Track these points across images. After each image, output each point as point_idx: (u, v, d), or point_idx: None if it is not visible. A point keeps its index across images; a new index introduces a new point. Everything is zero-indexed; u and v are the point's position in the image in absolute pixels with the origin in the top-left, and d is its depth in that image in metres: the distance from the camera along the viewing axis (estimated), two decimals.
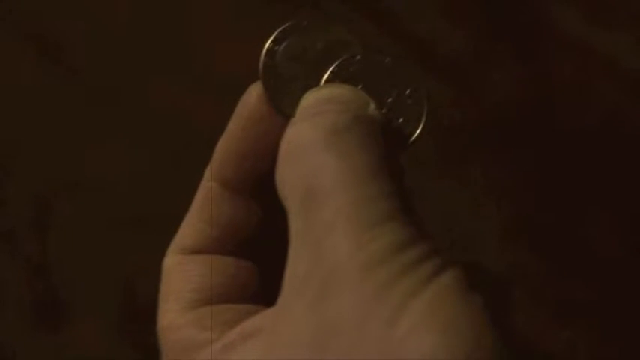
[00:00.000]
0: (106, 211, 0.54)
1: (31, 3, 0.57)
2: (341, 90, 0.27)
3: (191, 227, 0.29)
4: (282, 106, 0.27)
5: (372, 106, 0.26)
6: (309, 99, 0.27)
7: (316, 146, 0.24)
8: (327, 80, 0.27)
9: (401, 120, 0.27)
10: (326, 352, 0.22)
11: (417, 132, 0.27)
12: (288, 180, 0.25)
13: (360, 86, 0.27)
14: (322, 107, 0.26)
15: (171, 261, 0.29)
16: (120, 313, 0.53)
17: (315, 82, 0.28)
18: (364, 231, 0.22)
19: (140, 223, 0.54)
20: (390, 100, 0.27)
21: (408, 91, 0.27)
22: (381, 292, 0.22)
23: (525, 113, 0.53)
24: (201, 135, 0.55)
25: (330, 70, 0.28)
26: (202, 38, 0.55)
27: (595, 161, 0.52)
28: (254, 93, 0.28)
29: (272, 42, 0.28)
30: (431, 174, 0.52)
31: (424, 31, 0.54)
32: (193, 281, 0.28)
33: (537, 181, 0.52)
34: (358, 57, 0.28)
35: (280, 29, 0.28)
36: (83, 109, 0.55)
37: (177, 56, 0.55)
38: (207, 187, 0.29)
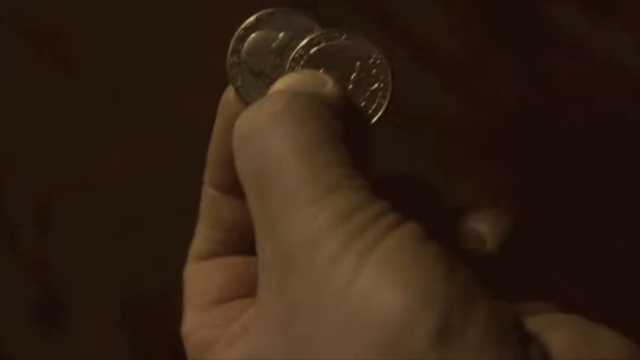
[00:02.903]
0: (106, 211, 0.54)
1: (31, 2, 0.57)
2: (296, 76, 0.27)
3: (199, 235, 0.30)
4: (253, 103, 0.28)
5: (329, 85, 0.27)
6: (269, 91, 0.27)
7: (258, 131, 0.25)
8: (288, 69, 0.28)
9: (372, 89, 0.28)
10: (293, 331, 0.22)
11: (386, 100, 0.28)
12: (240, 169, 0.25)
13: (322, 69, 0.28)
14: (271, 96, 0.26)
15: (187, 271, 0.30)
16: (120, 313, 0.53)
17: (281, 74, 0.28)
18: (309, 206, 0.23)
19: (140, 223, 0.54)
20: (354, 75, 0.28)
21: (370, 62, 0.28)
22: (332, 262, 0.22)
23: (525, 113, 0.53)
24: (202, 135, 0.55)
25: (290, 58, 0.28)
26: (202, 38, 0.55)
27: (595, 161, 0.52)
28: (230, 94, 0.29)
29: (236, 40, 0.28)
30: (429, 174, 0.52)
31: (424, 32, 0.54)
32: (204, 286, 0.29)
33: (537, 181, 0.52)
34: (315, 40, 0.28)
35: (242, 26, 0.28)
36: (83, 109, 0.55)
37: (178, 56, 0.55)
38: (206, 192, 0.30)
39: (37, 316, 0.54)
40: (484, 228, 0.28)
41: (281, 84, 0.27)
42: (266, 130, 0.24)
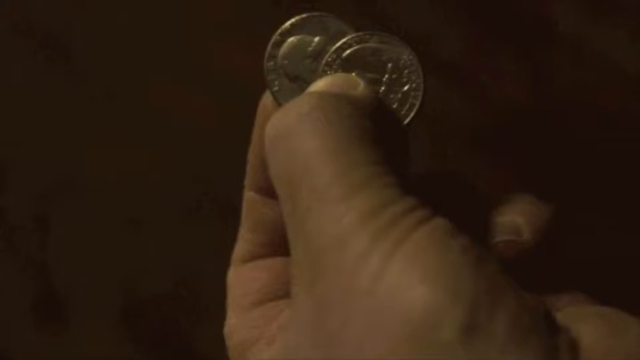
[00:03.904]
0: (106, 211, 0.54)
1: (31, 2, 0.57)
2: (328, 79, 0.28)
3: (241, 238, 0.31)
4: None
5: (361, 87, 0.27)
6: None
7: (287, 131, 0.25)
8: (322, 73, 0.28)
9: (404, 90, 0.28)
10: (324, 328, 0.22)
11: (419, 100, 0.28)
12: (272, 170, 0.26)
13: (354, 72, 0.28)
14: (300, 97, 0.26)
15: (229, 274, 0.31)
16: (120, 312, 0.53)
17: (317, 78, 0.28)
18: (338, 204, 0.23)
19: (140, 222, 0.54)
20: (386, 77, 0.28)
21: (401, 63, 0.28)
22: (360, 259, 0.22)
23: (525, 113, 0.53)
24: (202, 135, 0.55)
25: (323, 62, 0.28)
26: (202, 38, 0.55)
27: (595, 161, 0.52)
28: (268, 99, 0.29)
29: (272, 45, 0.29)
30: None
31: (422, 30, 0.54)
32: (245, 288, 0.29)
33: (536, 181, 0.52)
34: (347, 43, 0.28)
35: (278, 32, 0.29)
36: (83, 109, 0.55)
37: (178, 56, 0.55)
38: (247, 196, 0.30)
39: (37, 316, 0.54)
40: (520, 219, 0.28)
41: (313, 87, 0.28)
42: (295, 131, 0.25)
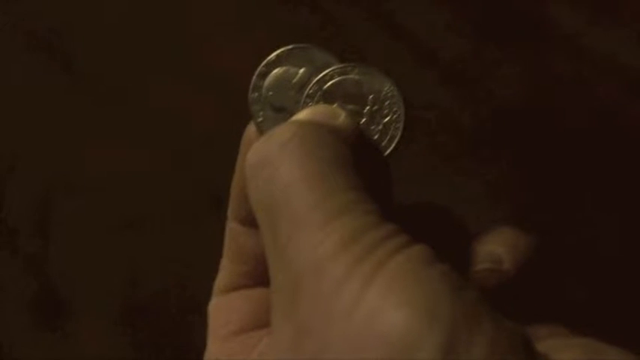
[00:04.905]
0: (106, 211, 0.54)
1: (31, 3, 0.57)
2: (309, 110, 0.28)
3: (223, 268, 0.31)
4: None
5: (341, 117, 0.27)
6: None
7: (267, 160, 0.25)
8: (303, 104, 0.28)
9: (384, 121, 0.28)
10: (303, 353, 0.22)
11: (399, 131, 0.28)
12: (252, 198, 0.26)
13: (336, 103, 0.28)
14: (280, 126, 0.27)
15: (211, 304, 0.31)
16: (120, 312, 0.53)
17: (300, 109, 0.29)
18: (317, 230, 0.23)
19: (140, 222, 0.54)
20: (367, 108, 0.28)
21: (382, 94, 0.28)
22: (339, 284, 0.22)
23: (525, 113, 0.53)
24: (202, 135, 0.55)
25: (304, 94, 0.28)
26: (202, 38, 0.55)
27: (595, 161, 0.52)
28: (251, 130, 0.29)
29: (257, 76, 0.29)
30: (428, 174, 0.52)
31: (423, 31, 0.54)
32: (226, 318, 0.30)
33: (536, 181, 0.52)
34: (329, 75, 0.28)
35: (263, 63, 0.29)
36: (83, 109, 0.55)
37: (178, 57, 0.55)
38: (229, 227, 0.31)
39: (37, 315, 0.54)
40: (500, 249, 0.29)
41: (295, 117, 0.28)
42: (275, 159, 0.25)
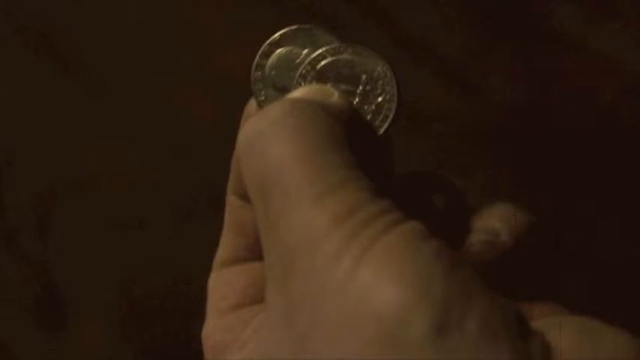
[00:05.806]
0: (106, 211, 0.54)
1: (30, 1, 0.57)
2: (303, 89, 0.28)
3: (223, 242, 0.31)
4: None
5: (335, 96, 0.27)
6: None
7: (260, 137, 0.25)
8: (296, 84, 0.29)
9: (378, 101, 0.28)
10: (295, 328, 0.23)
11: (392, 111, 0.28)
12: (245, 175, 0.26)
13: (329, 83, 0.28)
14: (273, 104, 0.27)
15: (211, 277, 0.31)
16: (120, 313, 0.53)
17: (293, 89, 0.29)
18: (310, 206, 0.23)
19: (140, 222, 0.54)
20: (360, 88, 0.28)
21: (375, 74, 0.28)
22: (332, 260, 0.22)
23: (525, 113, 0.53)
24: (201, 134, 0.55)
25: (297, 74, 0.29)
26: (202, 38, 0.55)
27: (595, 161, 0.52)
28: (251, 106, 0.30)
29: (260, 55, 0.29)
30: (428, 173, 0.52)
31: (422, 31, 0.54)
32: (225, 291, 0.30)
33: (536, 181, 0.52)
34: (322, 55, 0.29)
35: (267, 42, 0.29)
36: (83, 108, 0.55)
37: (177, 56, 0.55)
38: (229, 200, 0.31)
39: (37, 316, 0.54)
40: (498, 223, 0.29)
41: (289, 96, 0.28)
42: (267, 136, 0.25)
